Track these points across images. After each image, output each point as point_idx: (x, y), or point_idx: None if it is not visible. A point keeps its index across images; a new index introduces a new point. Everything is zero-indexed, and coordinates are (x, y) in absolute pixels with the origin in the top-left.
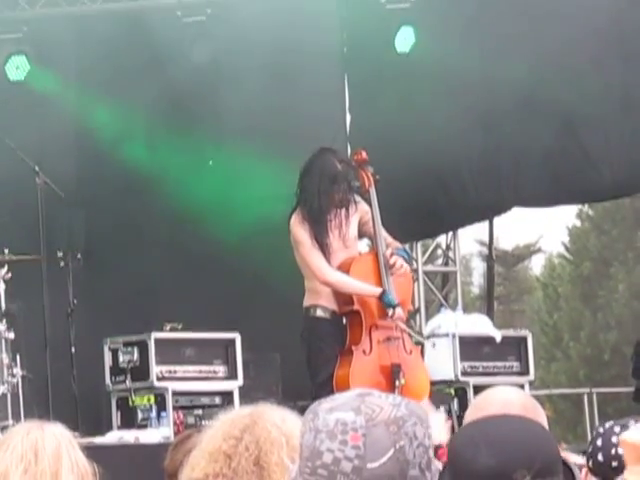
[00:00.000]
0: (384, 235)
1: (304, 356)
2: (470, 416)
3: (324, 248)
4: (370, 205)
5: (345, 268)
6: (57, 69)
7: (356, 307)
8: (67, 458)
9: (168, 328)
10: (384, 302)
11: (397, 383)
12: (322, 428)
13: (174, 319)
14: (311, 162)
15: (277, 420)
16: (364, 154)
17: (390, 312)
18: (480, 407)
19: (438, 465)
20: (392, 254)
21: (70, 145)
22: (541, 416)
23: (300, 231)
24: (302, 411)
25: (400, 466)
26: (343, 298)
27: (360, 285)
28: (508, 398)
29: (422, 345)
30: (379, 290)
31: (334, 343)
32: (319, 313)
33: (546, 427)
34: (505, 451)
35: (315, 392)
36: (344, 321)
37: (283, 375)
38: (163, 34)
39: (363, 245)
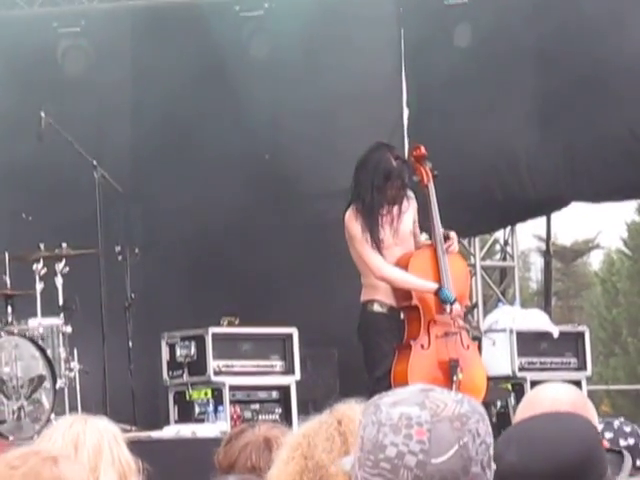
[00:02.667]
0: (442, 231)
1: (361, 351)
2: (520, 413)
3: (377, 243)
4: (429, 200)
5: (403, 263)
6: (115, 63)
7: (415, 302)
8: (108, 453)
9: (225, 322)
10: (441, 298)
11: (455, 378)
12: (385, 421)
13: (231, 313)
14: (366, 157)
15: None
16: (422, 149)
17: (448, 308)
18: (529, 404)
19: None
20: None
21: (127, 139)
22: (591, 413)
23: (354, 226)
24: None
25: (463, 463)
26: (401, 293)
27: (416, 281)
28: (557, 395)
29: (480, 340)
30: (435, 286)
31: (391, 338)
32: (376, 308)
33: (595, 425)
34: (530, 449)
35: (373, 387)
36: (402, 316)
37: (340, 370)
38: (221, 28)
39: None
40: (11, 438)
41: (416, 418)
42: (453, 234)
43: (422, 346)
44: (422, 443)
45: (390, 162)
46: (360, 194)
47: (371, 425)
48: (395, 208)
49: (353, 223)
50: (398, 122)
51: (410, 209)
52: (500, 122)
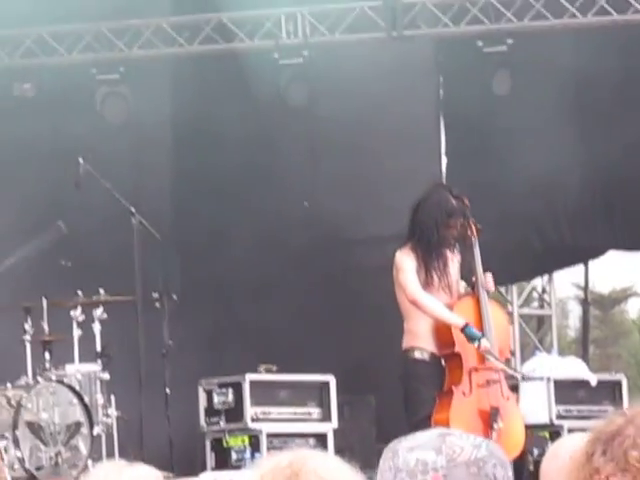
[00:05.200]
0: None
1: (402, 398)
2: (545, 464)
3: (428, 280)
4: (473, 252)
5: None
6: (154, 110)
7: (457, 349)
8: None
9: (263, 369)
10: (467, 335)
11: (495, 426)
12: (402, 467)
13: (269, 361)
14: (427, 196)
15: (321, 470)
16: (466, 201)
17: (476, 344)
18: (553, 455)
19: None
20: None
21: (166, 186)
22: None
23: (405, 259)
24: None
25: None
26: (444, 340)
27: (445, 312)
28: (576, 446)
29: (517, 387)
30: (463, 322)
31: (432, 385)
32: (417, 355)
33: None
34: None
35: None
36: (442, 363)
37: (378, 417)
38: (260, 75)
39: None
40: None
41: (432, 463)
42: (489, 274)
43: (464, 393)
44: None
45: (451, 201)
46: (423, 232)
47: (388, 470)
48: (448, 251)
49: (405, 258)
50: (436, 169)
51: (458, 255)
52: (538, 170)
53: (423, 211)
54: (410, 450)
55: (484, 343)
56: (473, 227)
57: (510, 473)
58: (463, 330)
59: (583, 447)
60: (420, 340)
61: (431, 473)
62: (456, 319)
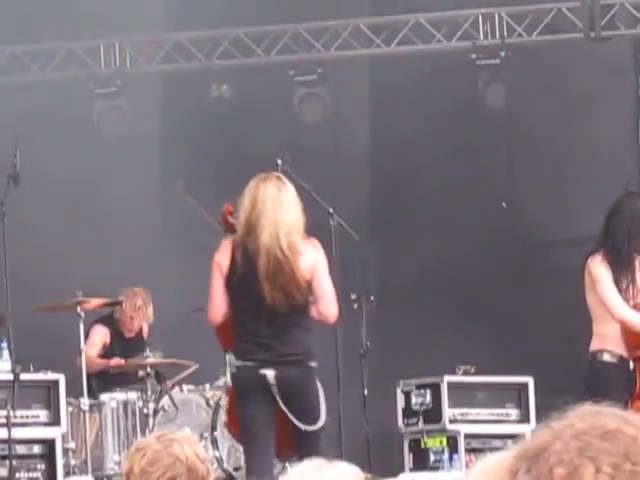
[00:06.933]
0: None
1: (591, 401)
2: None
3: (620, 292)
4: None
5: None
6: (352, 110)
7: None
8: None
9: (461, 371)
10: None
11: None
12: None
13: (468, 362)
14: (620, 204)
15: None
16: None
17: None
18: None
19: None
20: None
21: (363, 187)
22: None
23: (601, 270)
24: None
25: None
26: (632, 343)
27: None
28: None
29: None
30: None
31: (621, 389)
32: (606, 357)
33: None
34: None
35: None
36: (631, 366)
37: None
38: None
39: None
40: None
41: None
42: None
43: None
44: None
45: None
46: (616, 241)
47: None
48: (638, 261)
49: (599, 267)
50: (634, 170)
51: None
52: None
53: (615, 220)
54: None
55: None
56: None
57: None
58: None
59: (508, 465)
60: (609, 343)
61: None
62: None
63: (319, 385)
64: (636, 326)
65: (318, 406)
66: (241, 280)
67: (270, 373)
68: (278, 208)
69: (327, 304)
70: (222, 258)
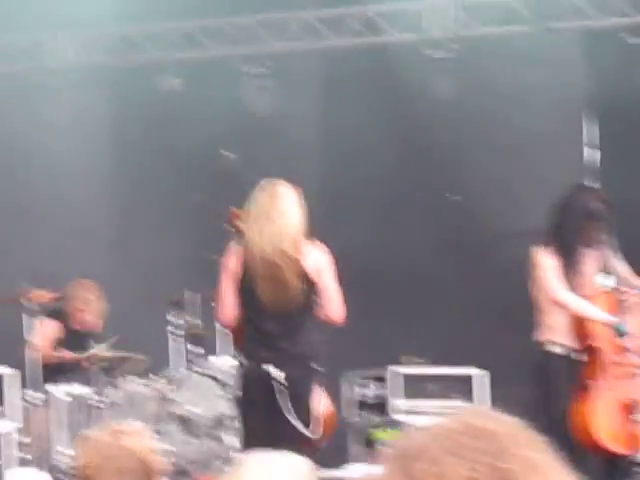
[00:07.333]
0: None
1: (536, 392)
2: None
3: (567, 282)
4: (610, 255)
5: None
6: (299, 106)
7: (594, 343)
8: None
9: (407, 362)
10: (617, 330)
11: (636, 419)
12: None
13: (412, 353)
14: (569, 197)
15: None
16: (608, 202)
17: (625, 340)
18: None
19: None
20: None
21: (314, 179)
22: None
23: (546, 260)
24: None
25: None
26: (579, 333)
27: (591, 309)
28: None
29: None
30: (612, 318)
31: (567, 379)
32: (556, 349)
33: None
34: None
35: (549, 429)
36: (577, 357)
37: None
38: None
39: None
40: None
41: None
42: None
43: (603, 386)
44: None
45: (593, 204)
46: (560, 234)
47: None
48: (586, 251)
49: (545, 257)
50: (585, 164)
51: (598, 254)
52: None
53: (564, 212)
54: None
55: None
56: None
57: None
58: (613, 326)
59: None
60: (556, 333)
61: None
62: (605, 315)
63: (321, 390)
64: (570, 307)
65: (309, 410)
66: (246, 283)
67: (274, 372)
68: (279, 214)
69: (333, 308)
70: (229, 261)
